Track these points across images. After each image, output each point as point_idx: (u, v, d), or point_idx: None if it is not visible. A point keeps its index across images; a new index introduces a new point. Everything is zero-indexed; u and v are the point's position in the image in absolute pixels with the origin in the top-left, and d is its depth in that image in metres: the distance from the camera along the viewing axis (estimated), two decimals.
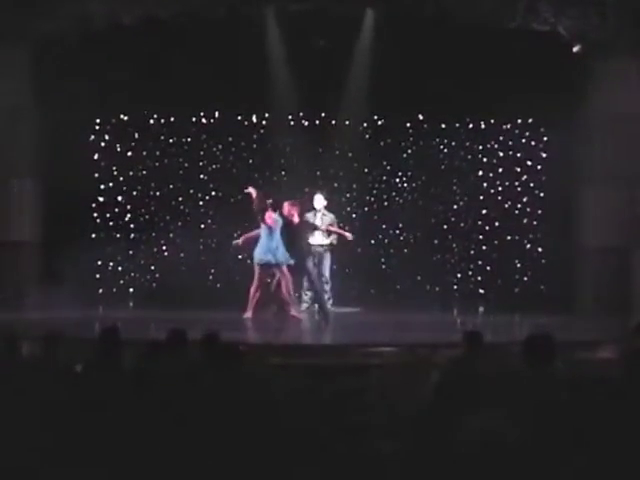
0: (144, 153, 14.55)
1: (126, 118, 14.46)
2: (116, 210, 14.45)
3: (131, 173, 14.53)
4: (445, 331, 10.40)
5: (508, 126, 14.50)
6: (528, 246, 14.46)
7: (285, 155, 14.59)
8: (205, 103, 14.17)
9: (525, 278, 14.39)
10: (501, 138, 14.55)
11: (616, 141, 12.81)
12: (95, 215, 14.38)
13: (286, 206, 11.86)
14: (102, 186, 14.45)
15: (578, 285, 13.27)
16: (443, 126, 14.52)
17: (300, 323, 11.89)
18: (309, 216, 13.12)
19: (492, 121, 14.47)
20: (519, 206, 14.53)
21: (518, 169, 14.52)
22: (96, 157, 14.43)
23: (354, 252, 14.29)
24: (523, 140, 14.49)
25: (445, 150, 14.60)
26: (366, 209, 14.72)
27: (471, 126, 14.51)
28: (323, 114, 14.53)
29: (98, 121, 14.39)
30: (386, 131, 14.54)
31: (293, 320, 11.80)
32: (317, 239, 13.12)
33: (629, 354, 5.68)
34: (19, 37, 12.70)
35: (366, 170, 14.69)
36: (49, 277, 13.10)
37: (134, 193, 14.49)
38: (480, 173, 14.57)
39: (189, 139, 14.59)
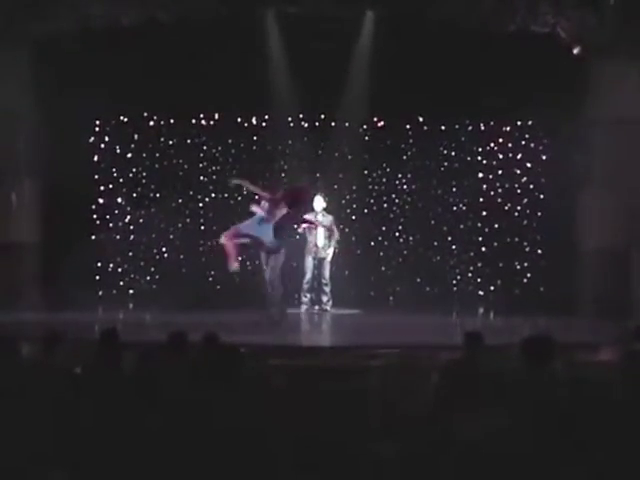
0: (144, 155, 14.55)
1: (126, 119, 14.47)
2: (116, 212, 14.44)
3: (131, 175, 14.54)
4: (445, 333, 10.41)
5: (508, 128, 14.51)
6: (528, 248, 14.47)
7: (285, 157, 14.61)
8: (205, 105, 14.17)
9: (525, 280, 14.41)
10: (501, 140, 14.56)
11: (615, 143, 12.81)
12: (95, 216, 14.37)
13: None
14: (102, 187, 14.45)
15: (577, 287, 13.27)
16: (443, 128, 14.54)
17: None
18: (309, 218, 13.16)
19: (492, 123, 14.49)
20: (519, 208, 14.54)
21: (518, 171, 14.53)
22: (96, 158, 14.43)
23: (354, 254, 14.31)
24: (523, 142, 14.50)
25: (445, 152, 14.61)
26: (366, 211, 14.74)
27: (471, 128, 14.53)
28: (323, 116, 14.55)
29: (98, 122, 14.39)
30: (386, 133, 14.55)
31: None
32: (320, 242, 13.15)
33: (628, 356, 5.69)
34: (19, 38, 12.70)
35: (366, 172, 14.70)
36: (48, 278, 13.10)
37: (134, 195, 14.48)
38: (480, 175, 14.59)
39: (189, 141, 14.59)
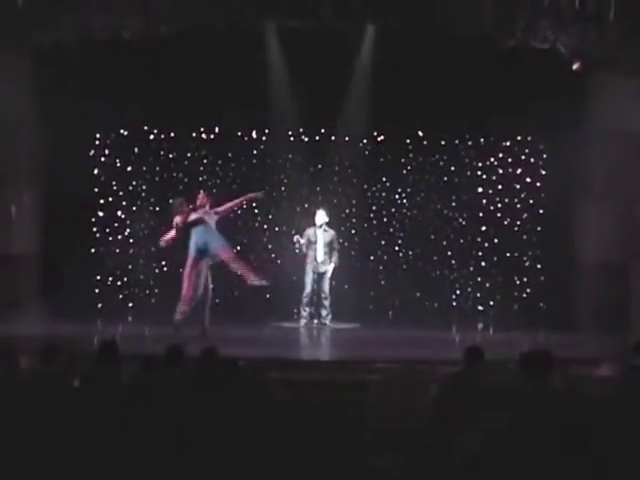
0: (144, 168, 14.55)
1: (126, 133, 14.48)
2: (115, 225, 14.44)
3: (131, 188, 14.54)
4: (444, 347, 10.39)
5: (507, 143, 14.53)
6: (527, 263, 14.47)
7: (285, 171, 14.61)
8: (205, 118, 14.20)
9: (524, 295, 14.40)
10: (500, 155, 14.57)
11: (615, 158, 12.81)
12: (95, 229, 14.37)
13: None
14: (102, 201, 14.45)
15: (577, 301, 13.27)
16: (443, 142, 14.55)
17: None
18: (310, 232, 13.18)
19: (491, 138, 14.50)
20: (518, 222, 14.55)
21: (517, 186, 14.54)
22: (96, 171, 14.43)
23: (353, 268, 14.30)
24: (522, 157, 14.51)
25: (444, 166, 14.62)
26: (365, 225, 14.74)
27: (470, 143, 14.53)
28: (323, 130, 14.55)
29: (98, 136, 14.40)
30: (386, 147, 14.56)
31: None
32: (320, 257, 13.15)
33: (628, 371, 5.68)
34: (20, 47, 12.67)
35: (365, 186, 14.71)
36: (48, 290, 13.09)
37: (134, 208, 14.48)
38: (479, 189, 14.59)
39: (189, 154, 14.60)
